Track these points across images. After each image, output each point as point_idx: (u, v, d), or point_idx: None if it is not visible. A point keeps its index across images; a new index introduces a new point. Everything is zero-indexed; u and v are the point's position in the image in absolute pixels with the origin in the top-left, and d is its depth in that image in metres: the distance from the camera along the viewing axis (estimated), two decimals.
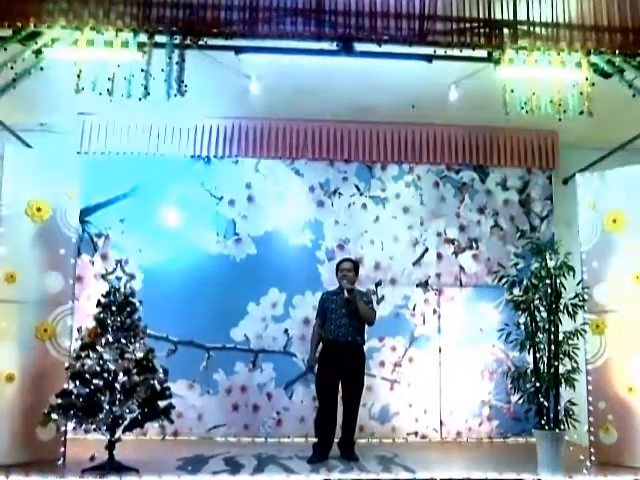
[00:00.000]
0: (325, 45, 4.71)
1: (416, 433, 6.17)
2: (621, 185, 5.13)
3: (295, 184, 6.48)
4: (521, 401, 4.89)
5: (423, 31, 4.71)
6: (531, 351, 4.84)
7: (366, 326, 5.24)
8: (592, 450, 4.94)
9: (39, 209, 4.83)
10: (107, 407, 4.27)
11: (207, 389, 6.08)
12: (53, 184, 4.93)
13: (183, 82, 4.54)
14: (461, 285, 6.46)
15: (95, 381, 4.30)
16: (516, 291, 4.99)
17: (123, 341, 4.47)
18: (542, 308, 4.84)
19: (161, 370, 4.59)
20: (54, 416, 4.32)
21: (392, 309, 6.35)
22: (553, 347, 4.75)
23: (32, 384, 4.64)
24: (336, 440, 5.12)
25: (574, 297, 4.85)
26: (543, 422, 4.66)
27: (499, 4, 4.79)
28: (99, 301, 4.63)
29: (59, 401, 4.34)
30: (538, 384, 4.72)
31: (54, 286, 4.84)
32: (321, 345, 5.26)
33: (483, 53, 4.80)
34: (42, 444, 4.63)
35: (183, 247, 6.29)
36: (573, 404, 4.72)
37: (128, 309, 4.59)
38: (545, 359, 4.78)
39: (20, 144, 5.38)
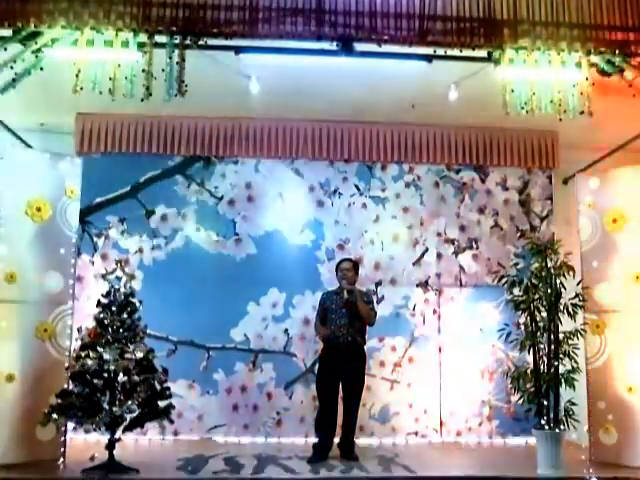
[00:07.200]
0: (325, 45, 4.70)
1: (416, 433, 6.16)
2: (621, 185, 5.14)
3: (295, 184, 6.47)
4: (521, 401, 4.89)
5: (423, 31, 4.71)
6: (531, 351, 4.84)
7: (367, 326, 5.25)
8: (592, 450, 4.95)
9: (39, 209, 4.83)
10: (107, 407, 4.28)
11: (207, 389, 6.08)
12: (53, 184, 4.94)
13: (183, 82, 4.54)
14: (461, 285, 6.46)
15: (95, 381, 4.31)
16: (516, 291, 5.00)
17: (123, 341, 4.48)
18: (542, 308, 4.85)
19: (161, 370, 4.59)
20: (54, 416, 4.33)
21: (392, 309, 6.34)
22: (553, 347, 4.76)
23: (32, 384, 4.65)
24: (336, 440, 5.12)
25: (574, 297, 4.86)
26: (543, 422, 4.67)
27: (499, 4, 4.78)
28: (99, 301, 4.64)
29: (59, 401, 4.35)
30: (538, 384, 4.72)
31: (54, 286, 4.84)
32: (321, 345, 5.28)
33: (483, 53, 4.79)
34: (42, 444, 4.64)
35: (183, 247, 6.29)
36: (573, 404, 4.73)
37: (128, 309, 4.60)
38: (545, 359, 4.78)
39: (20, 144, 5.37)
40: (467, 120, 6.21)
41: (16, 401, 4.60)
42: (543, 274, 4.87)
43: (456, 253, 6.51)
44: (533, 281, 4.92)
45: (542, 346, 4.82)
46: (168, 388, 4.61)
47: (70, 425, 4.64)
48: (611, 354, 4.97)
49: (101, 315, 4.56)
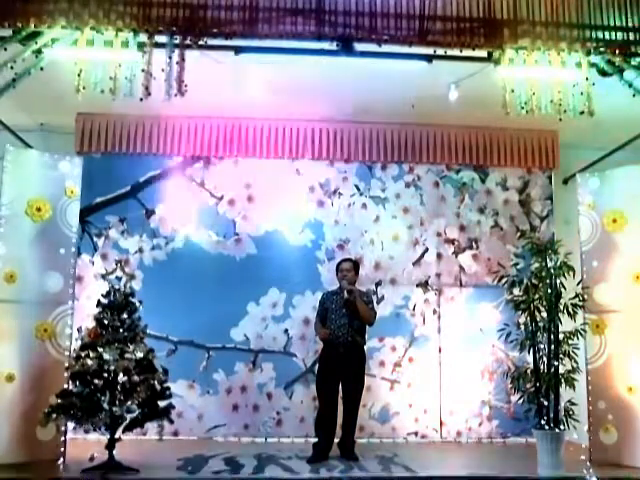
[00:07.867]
0: (325, 45, 4.71)
1: (416, 433, 6.16)
2: (621, 185, 5.14)
3: (295, 184, 6.48)
4: (521, 401, 4.89)
5: (423, 31, 4.71)
6: (531, 351, 4.84)
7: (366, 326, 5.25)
8: (592, 450, 4.95)
9: (39, 209, 4.83)
10: (107, 407, 4.28)
11: (207, 389, 6.08)
12: (53, 184, 4.94)
13: (183, 82, 4.54)
14: (461, 285, 6.46)
15: (95, 381, 4.30)
16: (516, 291, 5.00)
17: (123, 341, 4.48)
18: (542, 308, 4.84)
19: (161, 370, 4.59)
20: (54, 416, 4.32)
21: (392, 309, 6.34)
22: (553, 347, 4.75)
23: (32, 384, 4.65)
24: (336, 440, 5.12)
25: (574, 297, 4.86)
26: (543, 422, 4.66)
27: (499, 4, 4.78)
28: (99, 301, 4.63)
29: (59, 401, 4.35)
30: (538, 384, 4.72)
31: (54, 286, 4.84)
32: (321, 345, 5.28)
33: (483, 53, 4.79)
34: (42, 444, 4.64)
35: (183, 247, 6.29)
36: (573, 404, 4.72)
37: (128, 309, 4.60)
38: (545, 359, 4.78)
39: (20, 144, 5.37)
40: (467, 120, 6.21)
41: (16, 401, 4.60)
42: (543, 274, 4.87)
43: (456, 253, 6.51)
44: (533, 281, 4.91)
45: (542, 346, 4.82)
46: (168, 388, 4.60)
47: (70, 425, 4.63)
48: (611, 354, 4.97)
49: (101, 315, 4.56)
